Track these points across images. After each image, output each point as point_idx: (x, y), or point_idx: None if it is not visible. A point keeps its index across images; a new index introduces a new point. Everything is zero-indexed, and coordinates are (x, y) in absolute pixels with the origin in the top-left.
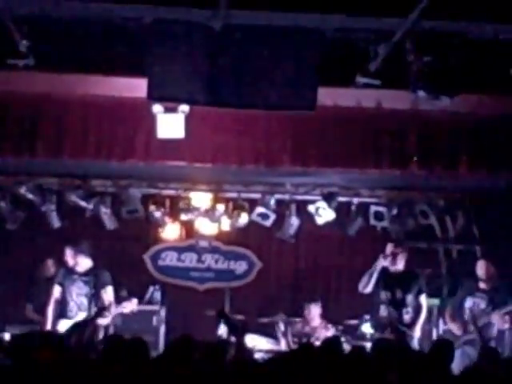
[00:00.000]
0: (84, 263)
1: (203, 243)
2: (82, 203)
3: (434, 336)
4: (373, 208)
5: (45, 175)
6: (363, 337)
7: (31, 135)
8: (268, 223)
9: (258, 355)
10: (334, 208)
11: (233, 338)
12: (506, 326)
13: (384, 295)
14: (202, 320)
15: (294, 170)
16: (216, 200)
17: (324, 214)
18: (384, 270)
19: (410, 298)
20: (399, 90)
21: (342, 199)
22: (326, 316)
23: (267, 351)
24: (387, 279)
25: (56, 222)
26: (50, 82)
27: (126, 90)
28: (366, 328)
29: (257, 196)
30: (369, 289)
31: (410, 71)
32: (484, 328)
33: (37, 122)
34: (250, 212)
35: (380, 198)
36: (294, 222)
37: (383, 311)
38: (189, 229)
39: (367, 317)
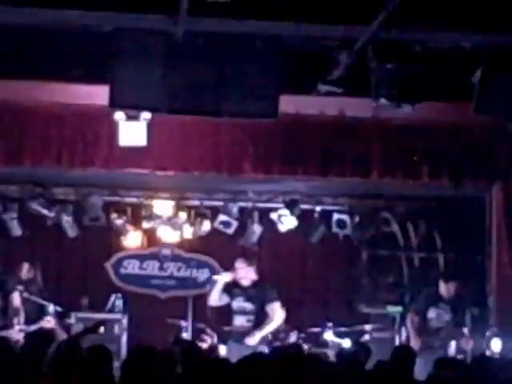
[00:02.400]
0: None
1: (165, 251)
2: (44, 211)
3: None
4: (335, 216)
5: (5, 183)
6: (325, 344)
7: None
8: (230, 231)
9: None
10: (297, 215)
11: None
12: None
13: (233, 305)
14: (164, 328)
15: (257, 178)
16: (178, 208)
17: (286, 221)
18: (229, 283)
19: (251, 307)
20: (361, 97)
21: (304, 207)
22: (288, 323)
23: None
24: (233, 291)
25: (17, 231)
26: (10, 89)
27: (88, 97)
28: (329, 336)
29: (219, 204)
30: (216, 302)
31: (372, 79)
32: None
33: None
34: (213, 220)
35: (342, 205)
36: (257, 229)
37: (237, 321)
38: (151, 237)
39: (329, 324)
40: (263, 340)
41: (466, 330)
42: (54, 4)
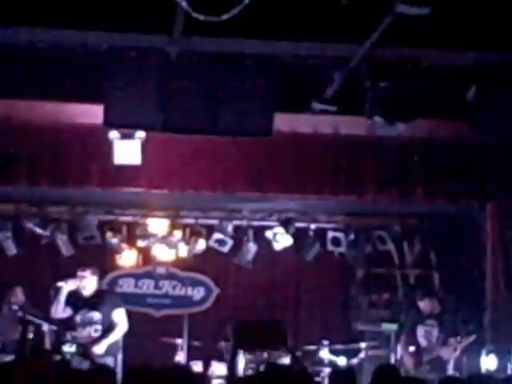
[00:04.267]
0: None
1: (160, 269)
2: (38, 230)
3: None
4: (330, 233)
5: (0, 201)
6: (321, 362)
7: None
8: (225, 249)
9: (216, 381)
10: (292, 234)
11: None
12: (455, 354)
13: (77, 318)
14: (159, 346)
15: (251, 196)
16: (173, 226)
17: (281, 239)
18: (72, 293)
19: (97, 316)
20: (355, 115)
21: (299, 225)
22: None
23: (226, 377)
24: (75, 301)
25: (11, 249)
26: (5, 109)
27: (82, 116)
28: (325, 353)
29: (214, 222)
30: (59, 313)
31: (366, 97)
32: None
33: None
34: (208, 238)
35: (337, 223)
36: (252, 247)
37: (77, 332)
38: (146, 255)
39: (325, 342)
40: (110, 348)
41: (452, 341)
42: (49, 23)
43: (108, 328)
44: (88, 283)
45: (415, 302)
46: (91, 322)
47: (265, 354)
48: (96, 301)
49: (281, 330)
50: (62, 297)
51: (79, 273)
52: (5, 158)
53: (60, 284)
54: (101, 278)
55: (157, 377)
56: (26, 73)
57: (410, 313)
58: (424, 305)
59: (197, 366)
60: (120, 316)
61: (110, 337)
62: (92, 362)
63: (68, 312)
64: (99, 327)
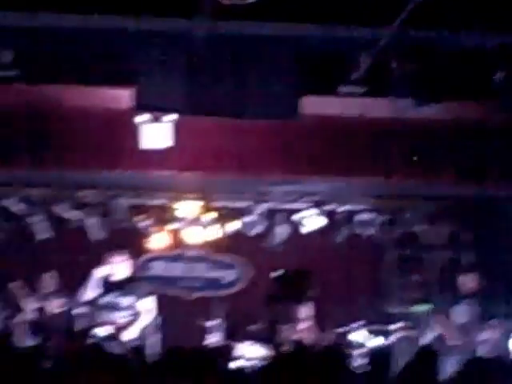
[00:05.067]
0: None
1: (191, 252)
2: (70, 214)
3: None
4: (360, 216)
5: (31, 186)
6: (352, 344)
7: (17, 147)
8: (256, 232)
9: (250, 363)
10: (321, 216)
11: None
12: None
13: (104, 300)
14: (191, 329)
15: (281, 179)
16: (204, 209)
17: (311, 222)
18: (103, 277)
19: (125, 302)
20: (383, 98)
21: (329, 207)
22: (317, 323)
23: (259, 358)
24: (106, 285)
25: (44, 234)
26: (35, 94)
27: (112, 100)
28: (356, 336)
29: (244, 205)
30: (88, 297)
31: (394, 79)
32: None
33: (23, 134)
34: (238, 221)
35: (367, 205)
36: (282, 230)
37: (105, 315)
38: (177, 238)
39: (356, 324)
40: (138, 337)
41: (492, 323)
42: (79, 9)
43: (136, 315)
44: (120, 267)
45: (450, 281)
46: (120, 308)
47: (297, 335)
48: (127, 286)
49: (305, 281)
50: (94, 279)
51: (110, 258)
52: (36, 143)
53: (93, 271)
54: (132, 261)
55: (190, 359)
56: (55, 58)
57: (444, 293)
58: (464, 281)
59: (230, 348)
60: (149, 304)
61: (137, 324)
62: (122, 346)
63: (97, 294)
64: (127, 313)
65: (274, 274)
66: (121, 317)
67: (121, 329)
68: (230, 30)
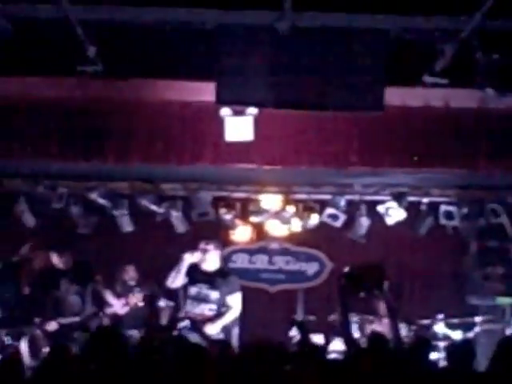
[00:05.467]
0: None
1: (274, 245)
2: (153, 207)
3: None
4: (443, 207)
5: (116, 180)
6: (436, 336)
7: (101, 141)
8: (338, 224)
9: (332, 356)
10: (404, 208)
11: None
12: None
13: (192, 290)
14: (273, 321)
15: (364, 171)
16: (286, 202)
17: (394, 213)
18: (193, 266)
19: (215, 295)
20: (467, 88)
21: (411, 199)
22: (399, 315)
23: (340, 352)
24: (195, 275)
25: (128, 226)
26: (118, 88)
27: (194, 93)
28: (439, 328)
29: (327, 197)
30: (176, 284)
31: (478, 69)
32: None
33: (107, 128)
34: (321, 213)
35: (450, 197)
36: (364, 222)
37: (190, 305)
38: (259, 231)
39: (440, 316)
40: (222, 330)
41: None
42: (159, 2)
43: (222, 310)
44: (210, 257)
45: None
46: (207, 300)
47: (379, 327)
48: (216, 279)
49: (378, 274)
50: (183, 267)
51: (202, 246)
52: (120, 137)
53: (184, 255)
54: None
55: (273, 351)
56: (137, 53)
57: None
58: None
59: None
60: (236, 300)
61: (223, 319)
62: (205, 338)
63: (184, 282)
64: (214, 307)
65: (345, 269)
66: (204, 309)
67: (206, 321)
68: (313, 22)
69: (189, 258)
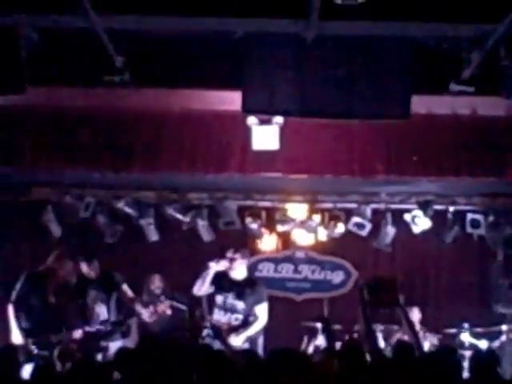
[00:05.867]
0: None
1: (300, 254)
2: (179, 216)
3: None
4: (469, 216)
5: (142, 189)
6: (462, 345)
7: (128, 150)
8: (364, 233)
9: None
10: (430, 216)
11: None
12: None
13: (219, 299)
14: (300, 331)
15: (389, 179)
16: (312, 211)
17: (420, 222)
18: (220, 274)
19: (241, 305)
20: (494, 96)
21: (437, 207)
22: (424, 324)
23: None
24: (222, 283)
25: (154, 236)
26: (145, 98)
27: (221, 103)
28: (465, 337)
29: (352, 206)
30: (202, 292)
31: (505, 77)
32: None
33: (133, 137)
34: (346, 222)
35: (476, 205)
36: (390, 231)
37: (217, 314)
38: (285, 240)
39: (466, 325)
40: (246, 341)
41: None
42: (185, 12)
43: (249, 320)
44: (237, 266)
45: None
46: (233, 310)
47: (405, 336)
48: (243, 289)
49: (393, 289)
50: (209, 275)
51: (229, 254)
52: (147, 146)
53: (210, 263)
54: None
55: (299, 360)
56: (163, 61)
57: None
58: None
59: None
60: (263, 311)
61: (249, 329)
62: (229, 347)
63: (209, 291)
64: (240, 316)
65: (366, 281)
66: (231, 319)
67: (231, 331)
68: (339, 31)
69: (214, 267)
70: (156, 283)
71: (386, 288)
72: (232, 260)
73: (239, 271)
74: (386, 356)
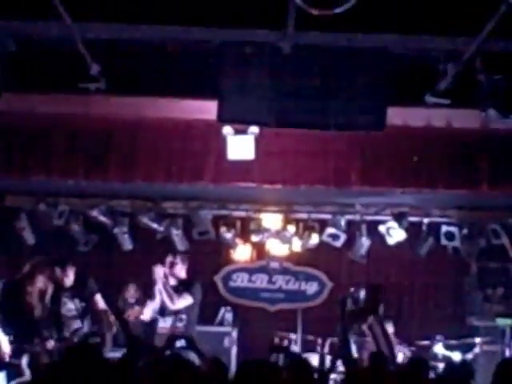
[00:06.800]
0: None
1: (274, 264)
2: (154, 225)
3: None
4: (444, 228)
5: (117, 198)
6: (435, 357)
7: (103, 158)
8: (339, 244)
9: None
10: (405, 228)
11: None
12: None
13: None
14: (270, 341)
15: (364, 191)
16: (286, 221)
17: (395, 234)
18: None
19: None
20: (469, 109)
21: (412, 219)
22: (397, 336)
23: (339, 372)
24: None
25: (128, 245)
26: (121, 106)
27: (196, 112)
28: (439, 349)
29: (327, 217)
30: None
31: (480, 90)
32: None
33: (108, 146)
34: (321, 233)
35: (451, 217)
36: (365, 242)
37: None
38: (260, 250)
39: (439, 337)
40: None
41: None
42: (161, 21)
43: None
44: (180, 270)
45: None
46: (177, 312)
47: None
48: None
49: (373, 298)
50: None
51: (169, 259)
52: (121, 155)
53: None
54: (215, 272)
55: (271, 372)
56: (140, 70)
57: None
58: None
59: (311, 360)
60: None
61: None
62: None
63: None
64: (184, 316)
65: (348, 291)
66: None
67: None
68: (316, 41)
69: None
70: (131, 292)
71: (371, 296)
72: (172, 264)
73: (180, 274)
74: (361, 366)
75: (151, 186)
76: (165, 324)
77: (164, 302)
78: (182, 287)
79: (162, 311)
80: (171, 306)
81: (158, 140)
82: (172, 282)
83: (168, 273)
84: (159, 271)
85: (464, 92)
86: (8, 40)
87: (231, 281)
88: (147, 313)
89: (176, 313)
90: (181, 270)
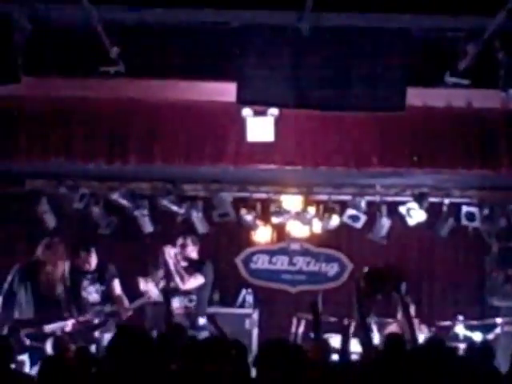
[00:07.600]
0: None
1: (294, 246)
2: (174, 208)
3: None
4: (464, 208)
5: (137, 180)
6: (456, 338)
7: (123, 141)
8: (359, 225)
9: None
10: (425, 209)
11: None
12: None
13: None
14: (291, 322)
15: (384, 172)
16: (307, 203)
17: (415, 214)
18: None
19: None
20: (489, 89)
21: (433, 200)
22: (418, 317)
23: (357, 353)
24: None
25: (148, 227)
26: (140, 89)
27: (216, 94)
28: (459, 329)
29: (347, 198)
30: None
31: (500, 70)
32: None
33: (128, 128)
34: (341, 214)
35: (471, 198)
36: (385, 223)
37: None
38: (280, 232)
39: (460, 318)
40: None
41: None
42: (180, 3)
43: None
44: (192, 251)
45: None
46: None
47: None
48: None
49: (390, 278)
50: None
51: (180, 241)
52: (141, 137)
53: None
54: (236, 254)
55: (290, 352)
56: (159, 53)
57: None
58: None
59: (334, 341)
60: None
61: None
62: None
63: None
64: (194, 297)
65: (364, 270)
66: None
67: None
68: (334, 22)
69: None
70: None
71: (387, 275)
72: (183, 246)
73: (192, 255)
74: (377, 348)
75: (171, 168)
76: (175, 304)
77: (175, 282)
78: (193, 268)
79: (173, 291)
80: (182, 287)
81: (178, 122)
82: (183, 263)
83: (179, 253)
84: (170, 251)
85: (484, 72)
86: (27, 23)
87: (252, 263)
88: (155, 292)
89: (186, 293)
90: (192, 251)
